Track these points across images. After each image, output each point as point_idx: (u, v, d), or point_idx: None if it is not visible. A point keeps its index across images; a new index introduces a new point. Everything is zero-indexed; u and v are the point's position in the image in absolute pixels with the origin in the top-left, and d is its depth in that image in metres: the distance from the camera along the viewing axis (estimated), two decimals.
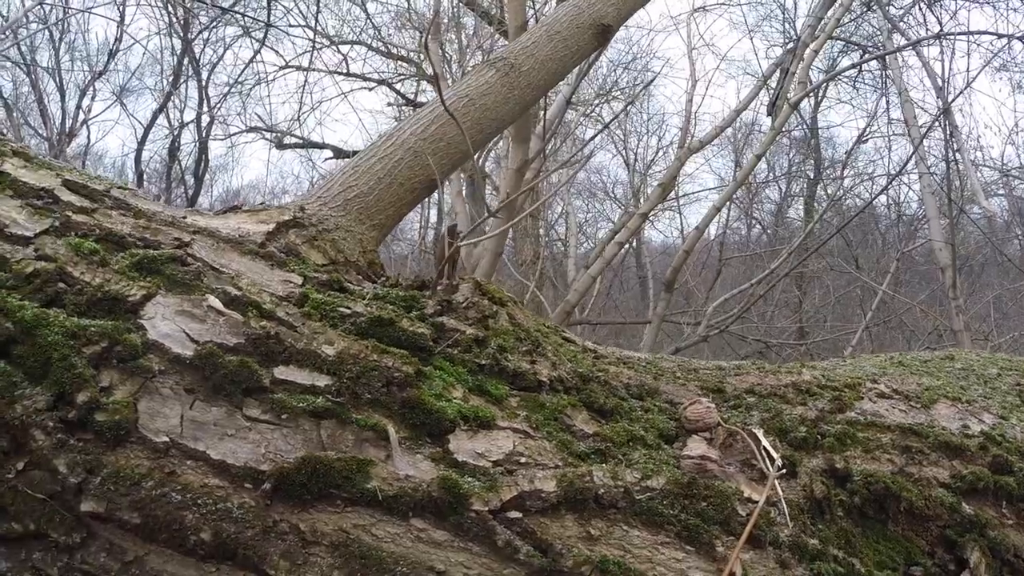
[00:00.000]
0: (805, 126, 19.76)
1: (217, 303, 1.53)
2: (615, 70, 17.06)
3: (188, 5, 12.82)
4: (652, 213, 10.04)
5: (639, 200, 13.91)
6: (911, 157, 9.13)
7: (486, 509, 1.50)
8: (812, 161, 20.65)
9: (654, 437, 1.85)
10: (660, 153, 19.46)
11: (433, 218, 16.32)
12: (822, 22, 7.77)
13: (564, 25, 2.80)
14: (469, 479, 1.50)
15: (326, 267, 1.85)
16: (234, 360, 1.45)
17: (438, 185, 2.18)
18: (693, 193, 18.14)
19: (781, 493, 1.86)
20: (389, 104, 19.86)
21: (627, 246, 8.78)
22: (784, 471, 1.92)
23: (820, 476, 1.97)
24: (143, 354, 1.42)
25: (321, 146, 19.02)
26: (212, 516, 1.38)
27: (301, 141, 19.17)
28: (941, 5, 10.43)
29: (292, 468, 1.40)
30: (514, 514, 1.52)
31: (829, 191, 18.88)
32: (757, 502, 1.81)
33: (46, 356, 1.39)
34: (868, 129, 17.48)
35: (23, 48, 15.02)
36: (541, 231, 18.16)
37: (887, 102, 13.46)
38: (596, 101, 16.80)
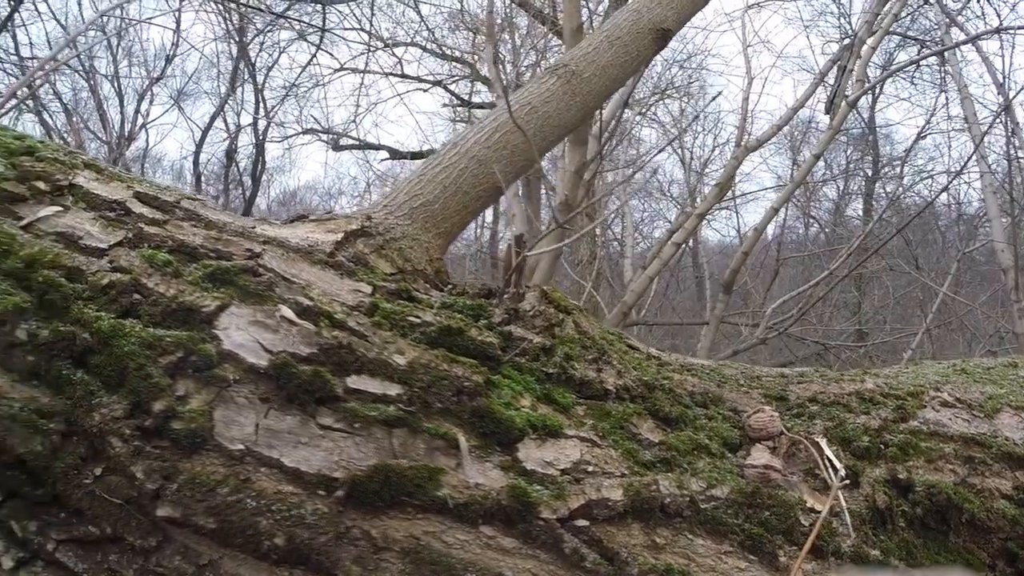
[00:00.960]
0: (863, 123, 19.56)
1: (290, 313, 1.55)
2: (670, 68, 16.93)
3: (242, 12, 12.98)
4: (709, 213, 10.02)
5: (695, 200, 13.87)
6: (972, 155, 9.00)
7: (554, 517, 1.51)
8: (870, 159, 20.38)
9: (718, 446, 1.85)
10: (716, 152, 19.27)
11: (489, 219, 16.42)
12: (879, 17, 7.67)
13: (624, 31, 2.81)
14: (538, 487, 1.52)
15: (394, 276, 1.86)
16: (308, 370, 1.47)
17: (503, 192, 2.20)
18: (750, 193, 18.00)
19: (844, 503, 1.86)
20: (444, 105, 19.94)
21: (684, 246, 8.77)
22: (847, 481, 1.90)
23: (883, 486, 1.96)
24: (218, 364, 1.44)
25: (377, 147, 19.09)
26: (286, 522, 1.41)
27: (357, 142, 19.32)
28: None
29: (365, 476, 1.43)
30: (581, 522, 1.53)
31: (888, 189, 18.69)
32: (820, 512, 1.81)
33: (123, 366, 1.42)
34: (927, 126, 17.24)
35: (82, 55, 15.45)
36: (597, 231, 18.19)
37: (946, 98, 13.30)
38: (651, 100, 16.77)
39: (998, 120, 8.68)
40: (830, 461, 1.93)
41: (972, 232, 14.10)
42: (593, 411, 1.73)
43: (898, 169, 18.89)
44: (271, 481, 1.40)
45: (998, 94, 8.91)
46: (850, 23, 15.10)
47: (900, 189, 16.50)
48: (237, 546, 1.41)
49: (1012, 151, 8.84)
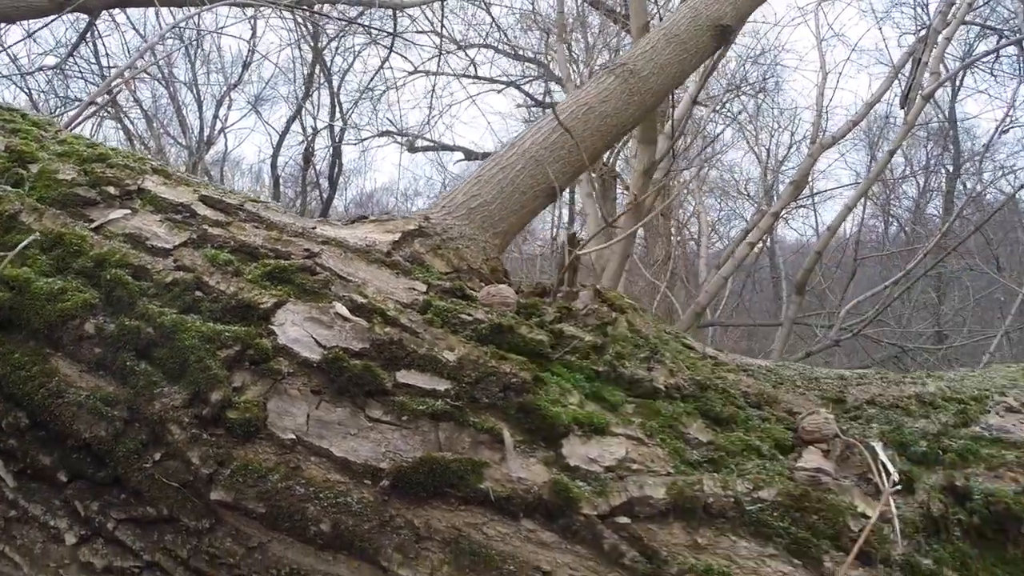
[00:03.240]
0: (942, 117, 19.26)
1: (343, 310, 1.64)
2: (744, 65, 16.91)
3: (315, 19, 13.20)
4: (784, 211, 9.97)
5: (771, 198, 13.81)
6: None
7: (595, 513, 1.54)
8: (950, 154, 19.96)
9: (769, 447, 1.83)
10: (792, 149, 19.08)
11: (566, 216, 16.48)
12: (953, 7, 7.59)
13: (682, 28, 2.86)
14: (580, 483, 1.55)
15: (449, 275, 1.92)
16: (359, 364, 1.55)
17: (560, 192, 2.24)
18: (827, 191, 17.79)
19: (895, 509, 1.80)
20: (518, 105, 20.11)
21: (760, 245, 8.74)
22: (900, 487, 1.86)
23: (939, 493, 1.90)
24: (273, 357, 1.54)
25: (452, 148, 19.56)
26: (332, 509, 1.49)
27: (432, 144, 19.57)
28: None
29: (410, 467, 1.49)
30: (622, 519, 1.55)
31: (968, 185, 18.38)
32: (870, 518, 1.77)
33: (183, 358, 1.53)
34: (1007, 119, 16.97)
35: (160, 63, 15.97)
36: (673, 230, 18.15)
37: None
38: (724, 97, 16.74)
39: None
40: (884, 466, 1.88)
41: None
42: (642, 409, 1.75)
43: (978, 164, 18.61)
44: (320, 470, 1.48)
45: None
46: (927, 13, 14.89)
47: (980, 185, 16.21)
48: (285, 530, 1.50)
49: None
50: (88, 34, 8.86)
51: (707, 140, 16.56)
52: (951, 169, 19.95)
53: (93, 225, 1.73)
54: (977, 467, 1.97)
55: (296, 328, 1.58)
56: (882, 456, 1.90)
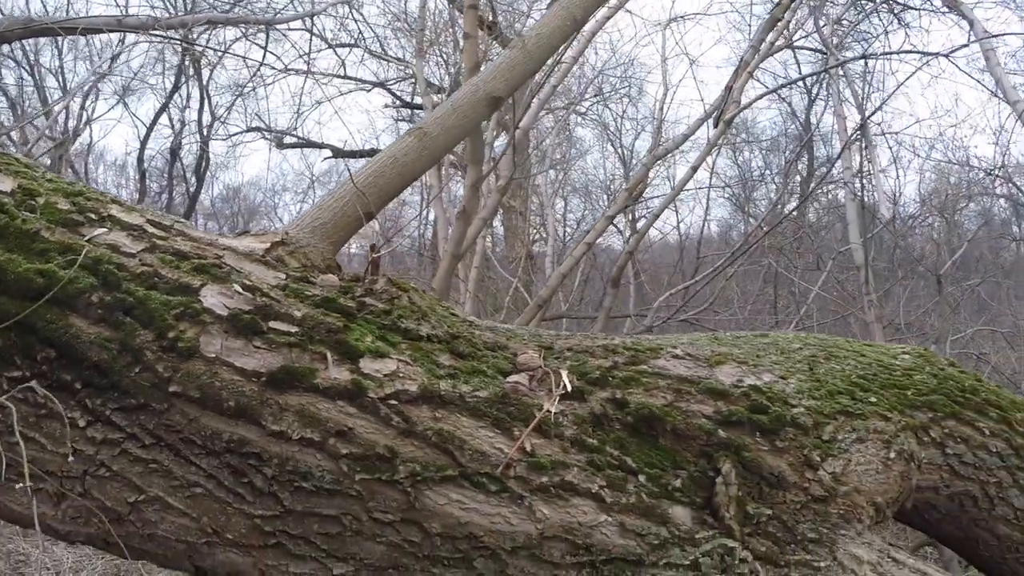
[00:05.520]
0: (799, 125, 20.09)
1: (239, 288, 2.35)
2: (599, 76, 17.88)
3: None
4: (621, 214, 10.82)
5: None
6: (830, 169, 10.01)
7: (376, 397, 2.30)
8: (804, 160, 20.99)
9: (493, 371, 2.53)
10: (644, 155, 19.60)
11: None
12: (764, 42, 8.63)
13: (465, 100, 3.56)
14: (368, 381, 2.31)
15: (299, 269, 2.65)
16: (247, 317, 2.30)
17: (373, 217, 3.28)
18: (656, 197, 18.36)
19: (556, 401, 2.48)
20: (386, 106, 19.87)
21: (630, 245, 9.17)
22: (569, 390, 2.53)
23: (603, 403, 2.58)
24: (201, 313, 2.27)
25: (320, 146, 19.49)
26: (235, 394, 2.22)
27: (301, 141, 19.33)
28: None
29: (276, 371, 2.25)
30: (392, 401, 2.31)
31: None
32: (550, 411, 2.45)
33: (151, 315, 2.23)
34: (810, 137, 17.83)
35: (27, 48, 15.22)
36: (533, 230, 18.65)
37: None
38: (587, 103, 17.18)
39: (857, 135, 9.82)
40: (564, 383, 2.56)
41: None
42: (410, 347, 2.47)
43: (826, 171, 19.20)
44: (228, 373, 2.23)
45: (859, 114, 10.04)
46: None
47: (780, 194, 17.00)
48: (209, 408, 2.21)
49: (865, 164, 9.97)
50: None
51: (556, 144, 17.02)
52: (805, 175, 20.98)
53: (86, 238, 2.31)
54: (636, 389, 2.64)
55: (213, 298, 2.30)
56: (564, 377, 2.59)
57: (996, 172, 13.75)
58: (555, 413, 2.49)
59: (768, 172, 23.35)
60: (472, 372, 2.54)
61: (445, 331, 2.64)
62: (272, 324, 2.36)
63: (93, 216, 2.44)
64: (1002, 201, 20.52)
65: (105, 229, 2.41)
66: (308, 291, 2.51)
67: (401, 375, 2.41)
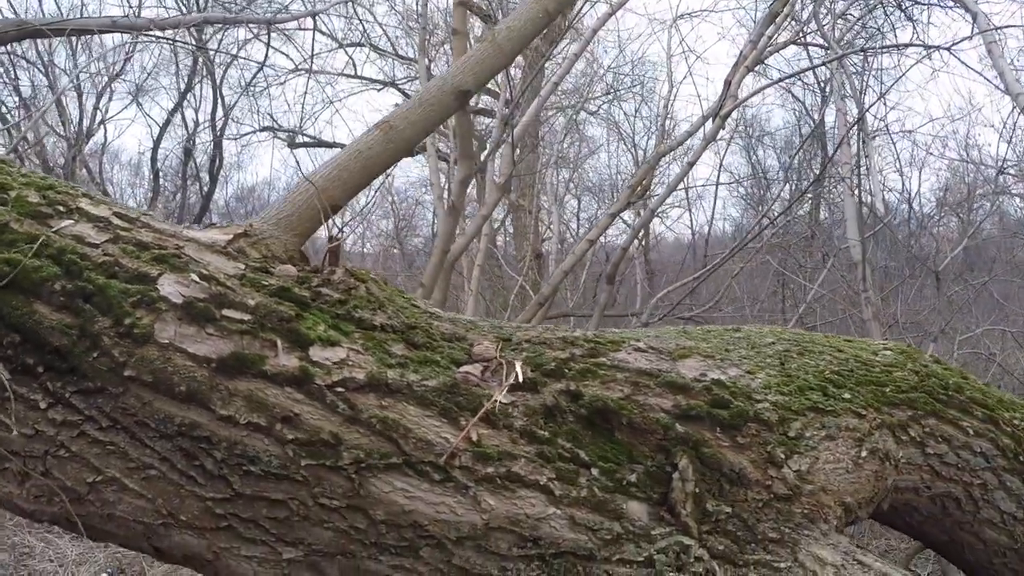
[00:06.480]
0: (812, 124, 19.98)
1: (195, 278, 2.39)
2: (607, 74, 17.89)
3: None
4: (629, 210, 10.81)
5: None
6: (826, 165, 10.01)
7: (323, 384, 2.34)
8: (819, 159, 20.82)
9: (446, 362, 2.54)
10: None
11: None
12: (763, 39, 8.61)
13: (432, 94, 3.62)
14: (316, 369, 2.34)
15: (259, 260, 2.70)
16: (202, 305, 2.34)
17: (340, 207, 3.37)
18: (655, 194, 18.34)
19: (505, 391, 2.48)
20: (396, 105, 20.03)
21: (637, 242, 9.12)
22: (521, 380, 2.52)
23: (557, 395, 2.56)
24: (157, 301, 2.30)
25: (331, 145, 19.23)
26: (186, 379, 2.27)
27: (312, 140, 19.37)
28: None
29: (227, 357, 2.30)
30: (339, 389, 2.35)
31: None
32: (499, 401, 2.44)
33: (110, 302, 2.28)
34: (816, 131, 17.94)
35: (40, 48, 15.19)
36: (542, 228, 18.66)
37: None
38: (574, 104, 17.26)
39: (851, 132, 9.84)
40: (517, 373, 2.55)
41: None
42: (363, 336, 2.49)
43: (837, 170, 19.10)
44: (181, 359, 2.28)
45: (857, 107, 10.05)
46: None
47: (779, 191, 16.89)
48: (162, 392, 2.26)
49: (861, 159, 9.99)
50: None
51: (560, 142, 17.04)
52: (818, 173, 20.63)
53: (52, 229, 2.37)
54: (593, 381, 2.62)
55: (170, 287, 2.34)
56: (517, 368, 2.57)
57: (1009, 170, 13.63)
58: (506, 404, 2.49)
59: (781, 172, 23.05)
60: (424, 362, 2.55)
61: (401, 321, 2.66)
62: (225, 312, 2.40)
63: (62, 208, 2.50)
64: (1017, 200, 20.26)
65: (72, 221, 2.47)
66: (264, 280, 2.56)
67: (350, 363, 2.44)
